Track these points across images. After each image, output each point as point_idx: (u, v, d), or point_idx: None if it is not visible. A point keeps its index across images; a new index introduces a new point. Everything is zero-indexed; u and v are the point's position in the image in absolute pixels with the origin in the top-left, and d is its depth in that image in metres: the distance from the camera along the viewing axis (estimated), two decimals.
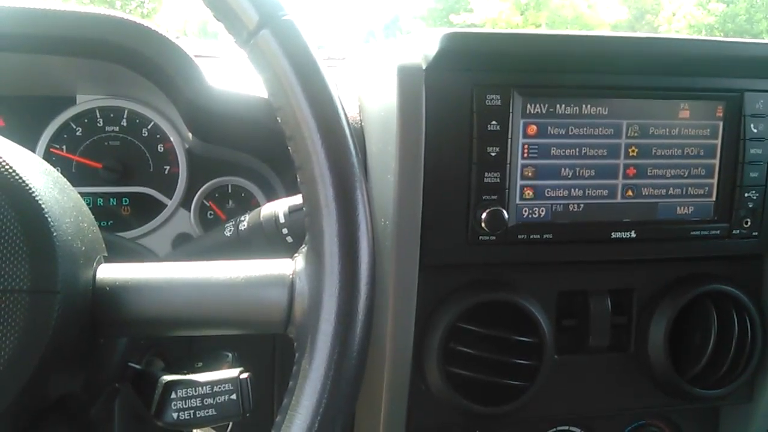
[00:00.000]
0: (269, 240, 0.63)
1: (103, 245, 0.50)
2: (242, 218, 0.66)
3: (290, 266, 0.47)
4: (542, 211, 0.68)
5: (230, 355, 0.65)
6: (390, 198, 0.64)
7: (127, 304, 0.45)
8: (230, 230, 0.65)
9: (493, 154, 0.65)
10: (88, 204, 0.80)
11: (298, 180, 0.46)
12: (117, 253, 0.52)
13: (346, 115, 0.46)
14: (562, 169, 0.68)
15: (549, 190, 0.68)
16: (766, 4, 19.22)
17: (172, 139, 0.77)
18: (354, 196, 0.45)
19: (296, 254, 0.48)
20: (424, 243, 0.65)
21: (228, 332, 0.48)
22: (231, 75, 0.75)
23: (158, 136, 0.77)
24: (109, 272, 0.46)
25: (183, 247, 0.71)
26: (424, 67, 0.63)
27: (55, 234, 0.41)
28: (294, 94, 0.45)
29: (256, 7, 0.45)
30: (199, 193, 0.77)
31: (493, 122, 0.65)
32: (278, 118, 0.46)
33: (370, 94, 0.71)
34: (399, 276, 0.65)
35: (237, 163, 0.79)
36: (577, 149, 0.68)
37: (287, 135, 0.46)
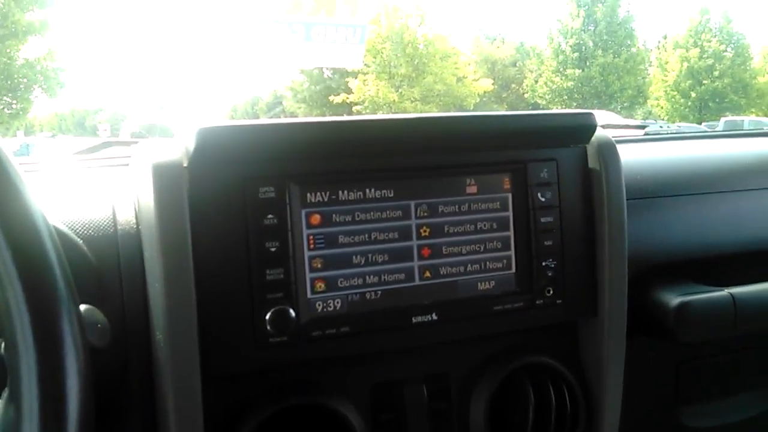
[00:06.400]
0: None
1: None
2: None
3: None
4: (338, 303, 0.64)
5: None
6: (161, 309, 0.58)
7: None
8: None
9: (273, 249, 0.61)
10: None
11: None
12: None
13: (51, 233, 0.41)
14: (354, 257, 0.64)
15: (342, 279, 0.64)
16: (616, 67, 21.08)
17: None
18: (56, 326, 0.39)
19: None
20: (206, 353, 0.59)
21: None
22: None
23: None
24: None
25: None
26: (185, 164, 0.59)
27: None
28: None
29: None
30: None
31: (269, 216, 0.61)
32: None
33: (140, 197, 0.66)
34: (178, 393, 0.58)
35: None
36: (367, 234, 0.65)
37: None
